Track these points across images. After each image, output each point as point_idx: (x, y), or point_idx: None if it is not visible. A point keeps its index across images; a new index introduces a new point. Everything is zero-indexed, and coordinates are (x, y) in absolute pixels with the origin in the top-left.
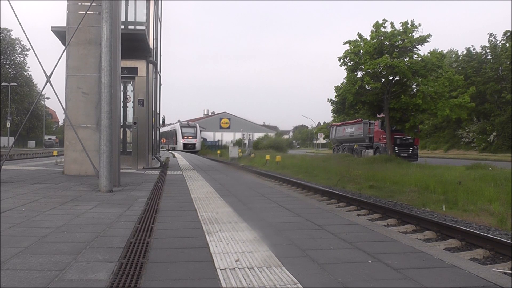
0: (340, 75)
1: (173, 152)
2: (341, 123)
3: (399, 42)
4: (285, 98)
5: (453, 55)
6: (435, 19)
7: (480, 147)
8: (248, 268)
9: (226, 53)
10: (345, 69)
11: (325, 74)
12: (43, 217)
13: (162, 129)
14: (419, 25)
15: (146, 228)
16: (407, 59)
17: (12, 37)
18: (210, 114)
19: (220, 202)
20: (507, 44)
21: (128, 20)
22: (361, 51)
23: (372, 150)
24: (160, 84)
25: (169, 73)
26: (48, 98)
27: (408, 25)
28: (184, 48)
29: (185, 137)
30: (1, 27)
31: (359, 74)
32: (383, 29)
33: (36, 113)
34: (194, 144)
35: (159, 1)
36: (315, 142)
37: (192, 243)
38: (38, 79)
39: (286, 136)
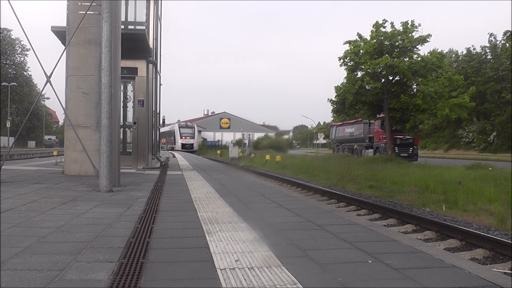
0: (340, 75)
1: (173, 152)
2: (341, 123)
3: (399, 42)
4: (285, 98)
5: (453, 55)
6: (435, 19)
7: (480, 147)
8: (248, 268)
9: (226, 53)
10: (345, 69)
11: (325, 74)
12: (43, 217)
13: (161, 129)
14: (419, 25)
15: (146, 228)
16: (407, 59)
17: (12, 37)
18: (210, 114)
19: (220, 202)
20: (507, 44)
21: (128, 20)
22: (361, 51)
23: (372, 150)
24: (160, 84)
25: (169, 73)
26: (48, 98)
27: (408, 25)
28: (184, 48)
29: (183, 137)
30: (1, 27)
31: (359, 74)
32: (383, 29)
33: (36, 113)
34: (192, 144)
35: (159, 1)
36: (315, 142)
37: (192, 243)
38: (38, 79)
39: (286, 136)
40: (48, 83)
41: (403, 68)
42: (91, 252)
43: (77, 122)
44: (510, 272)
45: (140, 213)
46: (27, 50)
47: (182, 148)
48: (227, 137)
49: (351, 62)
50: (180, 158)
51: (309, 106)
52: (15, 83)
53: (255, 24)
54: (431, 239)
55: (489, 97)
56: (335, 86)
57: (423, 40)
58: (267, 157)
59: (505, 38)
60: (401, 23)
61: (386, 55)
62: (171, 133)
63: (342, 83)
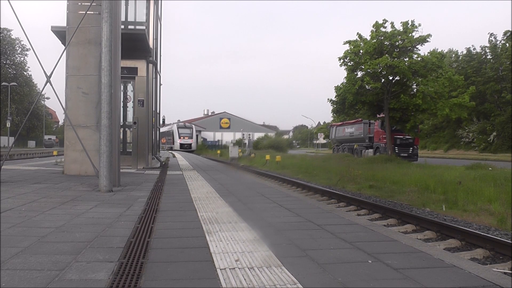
0: (340, 75)
1: (173, 152)
2: (341, 123)
3: (399, 42)
4: (285, 98)
5: (453, 55)
6: (435, 19)
7: (480, 147)
8: (248, 268)
9: (226, 53)
10: (345, 69)
11: (325, 74)
12: (43, 217)
13: (161, 129)
14: (419, 25)
15: (146, 228)
16: (407, 59)
17: (12, 37)
18: (210, 114)
19: (220, 202)
20: (507, 44)
21: (128, 20)
22: (361, 51)
23: (372, 150)
24: (160, 84)
25: (169, 73)
26: (48, 98)
27: (408, 25)
28: (184, 48)
29: (181, 137)
30: (1, 27)
31: (359, 74)
32: (383, 29)
33: (36, 113)
34: (190, 144)
35: (159, 1)
36: (315, 142)
37: (192, 243)
38: (38, 79)
39: (286, 136)
40: (48, 83)
41: (403, 68)
42: (91, 252)
43: (77, 122)
44: (510, 272)
45: (140, 213)
46: (27, 50)
47: (180, 148)
48: (227, 137)
49: (351, 62)
50: (180, 158)
51: (309, 106)
52: (15, 83)
53: (255, 24)
54: (431, 239)
55: (489, 97)
56: (335, 86)
57: (423, 40)
58: (267, 157)
59: (505, 38)
60: (401, 23)
61: (386, 55)
62: (169, 133)
63: (342, 83)
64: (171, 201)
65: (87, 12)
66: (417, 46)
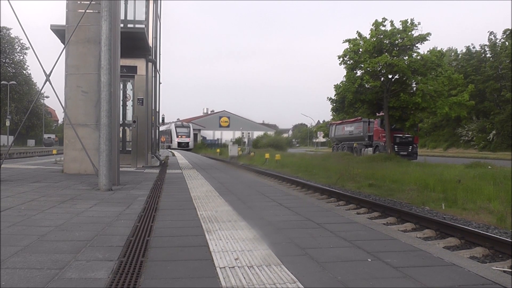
0: (339, 74)
1: (172, 151)
2: (340, 121)
3: (399, 40)
4: (284, 97)
5: (453, 54)
6: (435, 17)
7: (479, 145)
8: (247, 267)
9: (226, 52)
10: (345, 67)
11: (324, 72)
12: (43, 215)
13: (160, 128)
14: (419, 23)
15: (146, 226)
16: (407, 57)
17: (11, 35)
18: (209, 112)
19: (220, 201)
20: (507, 43)
21: (128, 18)
22: (360, 49)
23: (371, 148)
24: (160, 83)
25: (169, 72)
26: (47, 97)
27: (408, 24)
28: (184, 46)
29: (179, 136)
30: (1, 25)
31: (359, 72)
32: (382, 28)
33: (35, 112)
34: (188, 143)
35: (158, 0)
36: (314, 140)
37: (191, 241)
38: (38, 78)
39: (285, 135)
40: (48, 82)
41: (402, 67)
42: (90, 250)
43: (76, 120)
44: (510, 270)
45: (140, 211)
46: (26, 48)
47: (178, 147)
48: (227, 136)
49: (351, 61)
50: (180, 156)
51: (309, 105)
52: (14, 82)
53: (255, 24)
54: (430, 238)
55: (489, 96)
56: (334, 85)
57: (423, 38)
58: (267, 155)
59: (504, 36)
60: (400, 21)
61: (386, 53)
62: (168, 132)
63: (342, 81)
64: (171, 199)
65: (87, 11)
66: (416, 45)
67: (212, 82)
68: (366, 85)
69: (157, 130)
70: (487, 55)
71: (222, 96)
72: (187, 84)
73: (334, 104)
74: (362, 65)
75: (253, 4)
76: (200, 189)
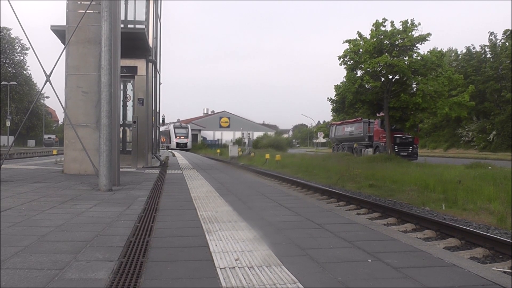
0: (340, 74)
1: (173, 151)
2: (340, 122)
3: (399, 41)
4: (284, 97)
5: (453, 54)
6: (435, 18)
7: (479, 146)
8: (248, 267)
9: (226, 52)
10: (345, 68)
11: (325, 73)
12: (43, 216)
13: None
14: (419, 24)
15: (146, 227)
16: (407, 58)
17: (12, 36)
18: (210, 113)
19: (220, 201)
20: (507, 43)
21: (128, 19)
22: (360, 50)
23: (371, 149)
24: (160, 83)
25: (169, 72)
26: (47, 97)
27: (408, 24)
28: (184, 47)
29: (178, 137)
30: (1, 26)
31: (359, 73)
32: (383, 28)
33: (35, 112)
34: (186, 143)
35: (159, 1)
36: (314, 141)
37: (191, 242)
38: (38, 78)
39: (285, 135)
40: (48, 82)
41: (402, 67)
42: (91, 251)
43: (76, 121)
44: (510, 271)
45: (140, 212)
46: (26, 49)
47: (176, 147)
48: (227, 136)
49: (351, 61)
50: (180, 157)
51: (309, 105)
52: (14, 82)
53: (255, 24)
54: (430, 238)
55: (489, 96)
56: (334, 85)
57: (423, 39)
58: (267, 156)
59: (505, 37)
60: (401, 22)
61: (386, 54)
62: (166, 133)
63: (342, 82)
64: (171, 200)
65: (87, 11)
66: (416, 45)
67: (212, 82)
68: (366, 86)
69: (157, 131)
70: (487, 56)
71: (222, 96)
72: (187, 84)
73: (334, 105)
74: (362, 66)
75: (253, 4)
76: (200, 189)
